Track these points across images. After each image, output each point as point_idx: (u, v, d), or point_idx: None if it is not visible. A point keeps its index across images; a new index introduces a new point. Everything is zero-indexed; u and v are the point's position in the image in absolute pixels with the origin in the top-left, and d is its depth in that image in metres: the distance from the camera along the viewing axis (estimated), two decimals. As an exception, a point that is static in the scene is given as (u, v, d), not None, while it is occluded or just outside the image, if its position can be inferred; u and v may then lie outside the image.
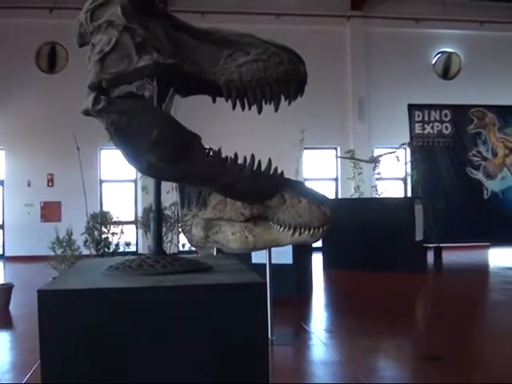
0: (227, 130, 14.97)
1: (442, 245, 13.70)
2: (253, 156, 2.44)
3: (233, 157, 2.42)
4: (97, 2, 2.32)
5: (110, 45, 2.23)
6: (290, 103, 2.37)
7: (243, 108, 2.35)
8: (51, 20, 15.77)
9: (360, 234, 11.45)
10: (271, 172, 2.48)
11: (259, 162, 2.45)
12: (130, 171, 16.43)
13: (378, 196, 13.80)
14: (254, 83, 2.26)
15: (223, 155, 2.40)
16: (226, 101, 2.35)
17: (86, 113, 2.34)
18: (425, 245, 12.40)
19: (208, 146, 2.39)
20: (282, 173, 2.54)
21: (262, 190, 2.49)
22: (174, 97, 2.53)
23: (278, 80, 2.27)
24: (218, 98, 2.51)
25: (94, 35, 2.31)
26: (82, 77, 2.34)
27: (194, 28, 2.34)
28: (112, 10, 2.28)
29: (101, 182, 16.81)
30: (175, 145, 2.27)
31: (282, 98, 2.34)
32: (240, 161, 2.44)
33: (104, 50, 2.23)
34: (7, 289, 8.09)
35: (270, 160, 2.48)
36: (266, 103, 2.33)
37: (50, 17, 15.89)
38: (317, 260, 11.55)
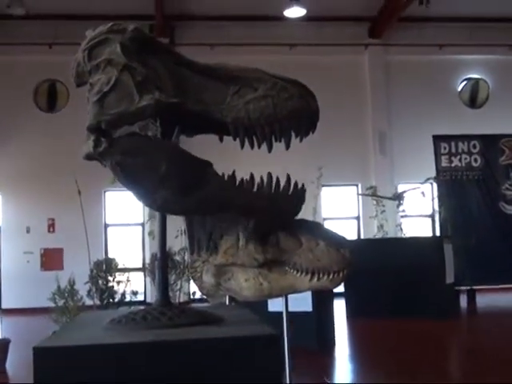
0: (236, 170, 15.05)
1: (475, 287, 13.55)
2: (269, 174, 2.44)
3: (248, 178, 2.43)
4: (95, 40, 2.37)
5: (110, 84, 2.27)
6: (301, 140, 2.39)
7: (252, 146, 2.37)
8: (51, 56, 16.04)
9: (385, 278, 11.35)
10: (291, 188, 2.48)
11: (277, 179, 2.46)
12: (137, 214, 16.49)
13: (403, 235, 13.73)
14: (262, 120, 2.28)
15: (238, 178, 2.42)
16: (234, 139, 2.37)
17: (88, 157, 2.37)
18: (456, 288, 12.27)
19: (221, 173, 2.40)
20: (303, 186, 2.53)
21: (284, 209, 2.49)
22: (179, 137, 2.56)
23: (288, 116, 2.30)
24: (225, 137, 2.53)
25: (93, 75, 2.35)
26: (83, 116, 2.39)
27: (197, 64, 2.38)
28: (111, 48, 2.32)
29: (106, 226, 16.87)
30: (186, 175, 2.30)
31: (293, 134, 2.36)
32: (256, 181, 2.45)
33: (103, 90, 2.27)
34: (4, 344, 8.07)
35: (288, 176, 2.48)
36: (276, 141, 2.35)
37: (49, 53, 16.17)
38: (339, 307, 11.44)
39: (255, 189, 2.42)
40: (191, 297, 11.35)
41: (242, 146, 2.37)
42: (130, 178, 2.32)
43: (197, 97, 2.31)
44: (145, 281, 15.60)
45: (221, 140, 2.61)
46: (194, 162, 2.33)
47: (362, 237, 16.94)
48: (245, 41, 16.56)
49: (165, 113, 2.32)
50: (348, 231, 16.51)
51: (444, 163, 14.56)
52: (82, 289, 8.98)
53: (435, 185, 14.74)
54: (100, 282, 9.10)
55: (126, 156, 2.28)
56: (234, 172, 2.42)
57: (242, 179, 2.42)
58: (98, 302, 8.98)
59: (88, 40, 2.39)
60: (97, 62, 2.34)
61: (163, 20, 16.33)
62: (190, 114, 2.33)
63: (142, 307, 2.67)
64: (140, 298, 13.55)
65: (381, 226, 14.02)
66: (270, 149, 2.37)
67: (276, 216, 2.53)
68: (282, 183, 2.48)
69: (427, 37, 17.44)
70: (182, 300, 10.82)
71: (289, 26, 16.89)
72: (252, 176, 2.43)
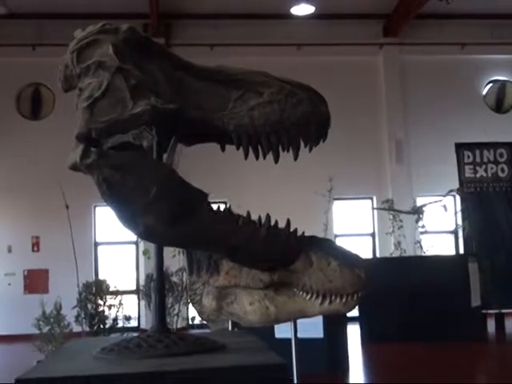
0: (241, 180, 15.09)
1: (504, 311, 13.46)
2: (268, 216, 2.46)
3: (245, 215, 2.44)
4: (84, 40, 2.38)
5: (101, 89, 2.28)
6: (311, 149, 2.40)
7: (257, 157, 2.38)
8: (34, 58, 16.09)
9: (404, 300, 11.32)
10: (290, 234, 2.50)
11: (276, 222, 2.48)
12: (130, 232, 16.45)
13: (423, 254, 13.67)
14: (268, 128, 2.29)
15: (234, 213, 2.42)
16: (237, 149, 2.38)
17: (74, 167, 2.38)
18: (483, 311, 12.21)
19: (216, 206, 2.41)
20: (303, 234, 2.55)
21: (279, 255, 2.51)
22: (176, 146, 2.56)
23: (296, 123, 2.31)
24: (227, 146, 2.54)
25: (82, 78, 2.36)
26: (71, 123, 2.39)
27: (197, 67, 2.39)
28: (102, 49, 2.34)
29: (95, 244, 16.86)
30: (177, 204, 2.31)
31: (302, 143, 2.36)
32: (253, 219, 2.46)
33: (94, 95, 2.28)
34: (-15, 375, 8.04)
35: (288, 221, 2.51)
36: (283, 150, 2.35)
37: (32, 55, 16.21)
38: (353, 332, 11.40)
39: (251, 229, 2.44)
40: (190, 322, 11.34)
41: (246, 155, 2.38)
42: (115, 196, 2.32)
43: (196, 102, 2.32)
44: (139, 305, 15.58)
45: (222, 149, 2.62)
46: (188, 190, 2.34)
47: (378, 255, 16.91)
48: (248, 41, 16.61)
49: (161, 120, 2.32)
50: (362, 249, 16.48)
51: (468, 174, 14.52)
52: (70, 314, 8.97)
53: (458, 197, 14.71)
54: (89, 306, 9.10)
55: (116, 171, 2.28)
56: (229, 208, 2.44)
57: (238, 216, 2.44)
58: (87, 329, 8.97)
59: (77, 41, 2.41)
60: (87, 64, 2.35)
61: (158, 18, 16.39)
62: (188, 121, 2.34)
63: (136, 334, 2.67)
64: (134, 323, 13.54)
65: (398, 244, 13.98)
66: (276, 159, 2.37)
67: (270, 264, 2.56)
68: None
69: (448, 35, 17.44)
70: (180, 326, 10.81)
71: (296, 24, 16.94)
72: (248, 214, 2.46)
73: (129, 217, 2.35)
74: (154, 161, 2.44)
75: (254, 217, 2.49)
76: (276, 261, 2.54)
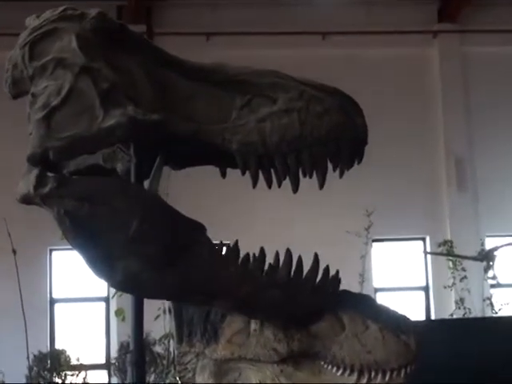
0: (249, 214, 15.05)
1: None
2: (288, 252, 2.45)
3: (257, 254, 2.43)
4: (39, 30, 2.40)
5: (61, 95, 2.29)
6: (342, 174, 2.39)
7: (270, 184, 2.37)
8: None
9: (468, 377, 11.23)
10: (319, 276, 2.49)
11: (299, 259, 2.46)
12: (99, 284, 16.46)
13: (494, 314, 13.61)
14: (284, 146, 2.29)
15: (242, 252, 2.41)
16: (243, 173, 2.38)
17: (25, 199, 2.38)
18: None
19: (218, 241, 2.41)
20: (338, 275, 2.54)
21: (304, 305, 2.49)
22: (161, 171, 2.57)
23: (322, 139, 2.30)
24: (229, 170, 2.54)
25: (36, 81, 2.38)
26: (21, 137, 2.41)
27: (189, 64, 2.40)
28: (63, 42, 2.35)
29: (52, 301, 16.82)
30: (166, 241, 2.30)
31: (330, 166, 2.36)
32: (268, 259, 2.45)
33: (51, 104, 2.29)
34: None
35: (316, 256, 2.48)
36: (304, 176, 2.35)
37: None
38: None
39: (265, 271, 2.44)
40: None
41: (255, 183, 2.37)
42: (83, 236, 2.32)
43: (187, 111, 2.33)
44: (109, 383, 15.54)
45: (223, 175, 2.62)
46: (179, 222, 2.35)
47: (433, 316, 16.84)
48: (256, 29, 16.66)
49: (141, 135, 2.33)
50: (412, 308, 16.42)
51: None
52: (17, 396, 8.96)
53: (541, 238, 14.68)
54: (43, 385, 9.09)
55: (82, 203, 2.28)
56: (236, 243, 2.44)
57: (248, 255, 2.43)
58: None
59: (29, 31, 2.43)
60: (42, 62, 2.37)
61: (136, 0, 16.50)
62: (177, 136, 2.34)
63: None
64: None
65: (461, 301, 13.92)
66: (295, 188, 2.36)
67: (292, 314, 2.55)
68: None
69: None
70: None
71: (321, 6, 17.05)
72: (262, 251, 2.45)
73: (102, 262, 2.34)
74: (133, 186, 2.43)
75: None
76: (301, 312, 2.53)
